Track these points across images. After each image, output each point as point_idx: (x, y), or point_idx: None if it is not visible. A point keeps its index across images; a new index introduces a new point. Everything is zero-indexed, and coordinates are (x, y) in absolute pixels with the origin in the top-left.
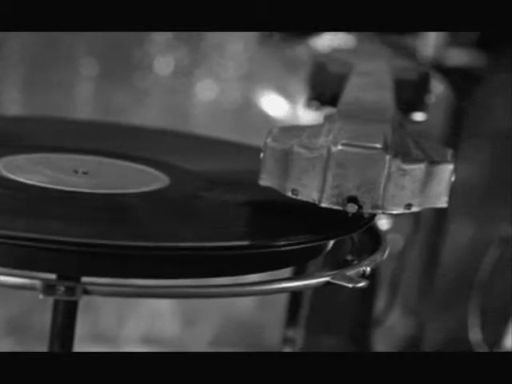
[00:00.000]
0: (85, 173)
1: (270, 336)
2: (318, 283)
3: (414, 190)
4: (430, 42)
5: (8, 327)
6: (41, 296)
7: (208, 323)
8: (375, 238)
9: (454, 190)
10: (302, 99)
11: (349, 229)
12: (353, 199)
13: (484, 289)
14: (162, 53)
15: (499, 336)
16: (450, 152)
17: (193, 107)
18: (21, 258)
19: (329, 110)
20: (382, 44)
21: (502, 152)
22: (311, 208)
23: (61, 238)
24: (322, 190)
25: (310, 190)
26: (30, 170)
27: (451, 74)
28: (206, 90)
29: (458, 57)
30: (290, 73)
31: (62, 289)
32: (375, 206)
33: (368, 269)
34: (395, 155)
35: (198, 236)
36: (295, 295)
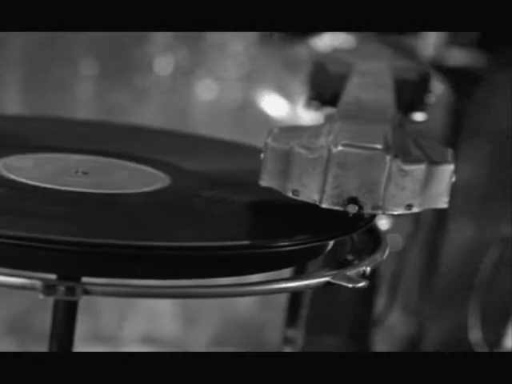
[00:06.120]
0: (85, 173)
1: (270, 336)
2: (318, 283)
3: (415, 191)
4: (429, 42)
5: (8, 327)
6: (41, 296)
7: (208, 323)
8: (375, 238)
9: (454, 190)
10: (302, 99)
11: (349, 229)
12: (353, 200)
13: (484, 289)
14: (162, 53)
15: (499, 336)
16: (450, 152)
17: (193, 107)
18: (21, 258)
19: (329, 110)
20: (382, 44)
21: (502, 152)
22: (311, 208)
23: (61, 238)
24: (322, 191)
25: (310, 190)
26: (30, 170)
27: (451, 74)
28: (205, 90)
29: (458, 57)
30: (290, 73)
31: (62, 289)
32: (376, 207)
33: (368, 269)
34: (396, 156)
35: (198, 236)
36: (295, 295)
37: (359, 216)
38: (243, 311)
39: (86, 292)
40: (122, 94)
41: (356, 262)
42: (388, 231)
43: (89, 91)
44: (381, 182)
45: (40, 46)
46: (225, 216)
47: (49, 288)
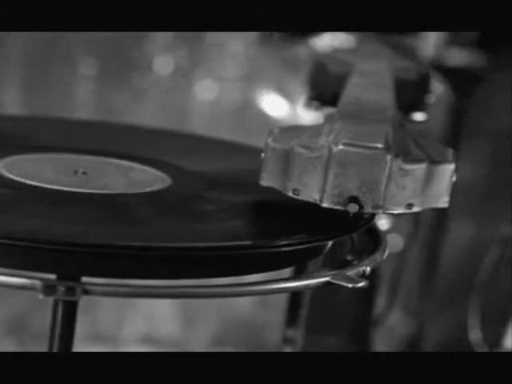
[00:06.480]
0: (85, 173)
1: (269, 336)
2: (318, 283)
3: (415, 190)
4: (429, 42)
5: (8, 327)
6: (41, 296)
7: (208, 323)
8: (375, 238)
9: (454, 190)
10: (302, 99)
11: (349, 229)
12: (354, 199)
13: (484, 289)
14: (162, 53)
15: (499, 336)
16: (450, 152)
17: (192, 107)
18: (21, 258)
19: (329, 109)
20: (382, 44)
21: (502, 152)
22: (312, 208)
23: (61, 238)
24: (322, 190)
25: (311, 189)
26: (30, 170)
27: (451, 74)
28: (205, 90)
29: (458, 57)
30: (290, 73)
31: (61, 289)
32: (376, 206)
33: (368, 269)
34: (396, 155)
35: (198, 236)
36: (295, 295)
37: (359, 215)
38: (243, 311)
39: (86, 292)
40: (122, 94)
41: (356, 262)
42: (388, 231)
43: (88, 91)
44: (381, 181)
45: (40, 46)
46: (225, 216)
47: (49, 288)
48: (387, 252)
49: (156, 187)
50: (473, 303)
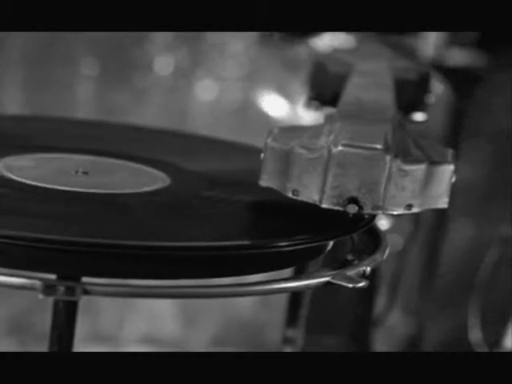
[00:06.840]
0: (85, 173)
1: (270, 336)
2: (318, 283)
3: (415, 191)
4: (429, 42)
5: (8, 327)
6: (41, 296)
7: (208, 323)
8: (375, 238)
9: (453, 190)
10: (302, 99)
11: (349, 229)
12: (353, 200)
13: (484, 289)
14: (162, 53)
15: (499, 336)
16: (450, 152)
17: (193, 107)
18: (21, 258)
19: (329, 110)
20: (382, 44)
21: (502, 152)
22: (311, 208)
23: (61, 238)
24: (322, 191)
25: (310, 190)
26: (30, 170)
27: (451, 74)
28: (205, 90)
29: (458, 57)
30: (290, 73)
31: (61, 289)
32: (376, 207)
33: (368, 269)
34: (396, 156)
35: (198, 236)
36: (295, 295)
37: (359, 216)
38: (243, 311)
39: (86, 292)
40: (122, 93)
41: (356, 262)
42: (388, 231)
43: (89, 91)
44: (381, 182)
45: (40, 46)
46: (225, 216)
47: (49, 288)
48: (387, 252)
49: (156, 187)
50: (473, 303)
